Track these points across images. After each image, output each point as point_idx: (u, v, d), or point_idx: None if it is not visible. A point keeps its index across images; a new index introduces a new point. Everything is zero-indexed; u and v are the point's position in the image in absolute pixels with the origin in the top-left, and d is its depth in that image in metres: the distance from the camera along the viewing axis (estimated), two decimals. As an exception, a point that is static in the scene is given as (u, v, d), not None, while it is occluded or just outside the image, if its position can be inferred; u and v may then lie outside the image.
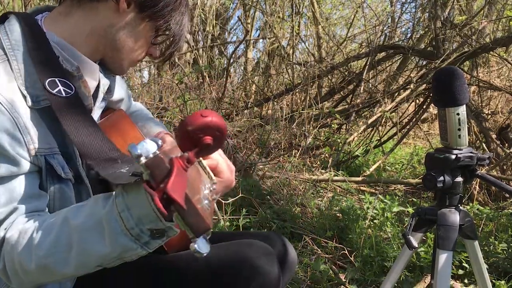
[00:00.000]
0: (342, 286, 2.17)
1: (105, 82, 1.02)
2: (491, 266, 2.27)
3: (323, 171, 3.77)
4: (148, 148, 0.61)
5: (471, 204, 3.04)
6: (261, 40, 7.52)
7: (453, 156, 1.14)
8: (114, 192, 0.75)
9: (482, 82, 4.08)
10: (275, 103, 5.16)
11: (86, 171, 0.93)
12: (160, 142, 0.63)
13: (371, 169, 3.90)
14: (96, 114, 1.02)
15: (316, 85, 5.57)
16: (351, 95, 5.12)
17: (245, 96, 6.67)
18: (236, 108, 5.54)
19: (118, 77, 1.15)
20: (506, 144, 3.71)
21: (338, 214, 2.83)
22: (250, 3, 6.55)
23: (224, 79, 6.14)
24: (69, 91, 0.87)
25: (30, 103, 0.81)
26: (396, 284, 1.58)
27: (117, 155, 0.83)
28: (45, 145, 0.83)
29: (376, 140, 4.59)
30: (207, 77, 6.17)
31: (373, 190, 3.57)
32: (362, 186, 3.69)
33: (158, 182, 0.61)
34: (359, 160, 4.38)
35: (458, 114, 1.13)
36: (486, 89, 4.28)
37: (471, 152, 1.16)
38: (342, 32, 7.97)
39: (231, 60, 7.25)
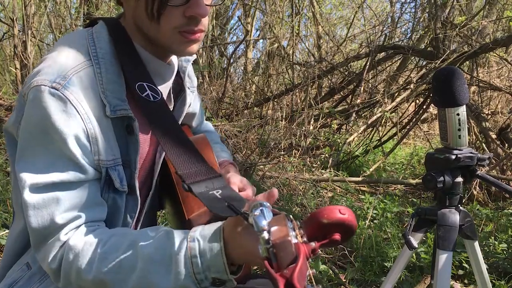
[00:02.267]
0: (342, 286, 2.17)
1: (189, 97, 1.03)
2: (491, 266, 2.27)
3: (323, 171, 3.77)
4: (268, 216, 0.62)
5: (471, 204, 3.04)
6: (261, 40, 7.52)
7: (453, 156, 1.14)
8: (188, 234, 0.77)
9: (482, 82, 4.09)
10: (275, 103, 5.16)
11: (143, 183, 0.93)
12: (270, 209, 0.63)
13: (371, 169, 3.90)
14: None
15: (316, 85, 5.57)
16: (351, 95, 5.13)
17: (245, 96, 6.67)
18: (236, 108, 5.54)
19: (192, 93, 1.14)
20: (506, 144, 3.71)
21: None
22: (250, 3, 6.55)
23: (224, 79, 6.14)
24: (156, 96, 0.88)
25: (108, 112, 0.82)
26: (396, 284, 1.58)
27: (206, 168, 0.83)
28: (109, 157, 0.84)
29: (376, 140, 4.60)
30: (207, 77, 6.17)
31: (373, 190, 3.57)
32: (362, 186, 3.70)
33: (281, 266, 0.59)
34: (359, 160, 4.38)
35: (458, 114, 1.13)
36: (486, 89, 4.28)
37: (471, 153, 1.16)
38: (342, 32, 7.98)
39: (231, 60, 7.25)
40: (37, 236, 0.81)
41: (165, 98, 0.96)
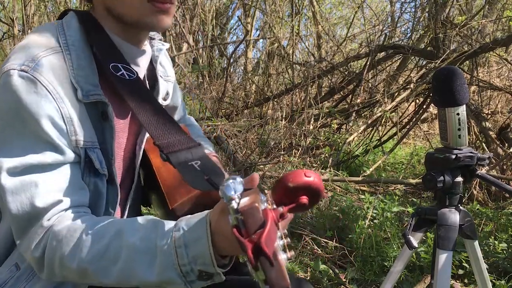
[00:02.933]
0: (342, 286, 2.17)
1: (163, 86, 1.02)
2: (491, 266, 2.27)
3: (323, 171, 3.77)
4: (239, 189, 0.62)
5: (471, 204, 3.04)
6: (261, 40, 7.52)
7: (453, 156, 1.14)
8: (175, 224, 0.74)
9: (482, 82, 4.09)
10: (275, 103, 5.16)
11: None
12: (242, 183, 0.63)
13: (371, 169, 3.90)
14: None
15: (316, 85, 5.57)
16: (351, 95, 5.12)
17: (245, 96, 6.67)
18: (236, 108, 5.54)
19: (175, 84, 1.14)
20: (506, 144, 3.71)
21: (338, 214, 2.83)
22: (250, 3, 6.55)
23: (224, 79, 6.14)
24: (132, 75, 0.87)
25: (80, 96, 0.81)
26: (396, 284, 1.58)
27: (184, 138, 0.82)
28: (87, 138, 0.83)
29: (376, 140, 4.59)
30: (207, 77, 6.17)
31: (373, 190, 3.57)
32: (362, 186, 3.70)
33: (249, 232, 0.60)
34: (359, 160, 4.38)
35: (458, 114, 1.13)
36: (486, 89, 4.28)
37: (471, 152, 1.16)
38: (342, 32, 7.98)
39: (231, 60, 7.26)
40: (19, 224, 0.79)
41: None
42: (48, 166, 0.79)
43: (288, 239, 0.65)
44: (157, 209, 1.07)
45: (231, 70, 7.61)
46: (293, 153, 4.17)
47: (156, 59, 1.03)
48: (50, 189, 0.78)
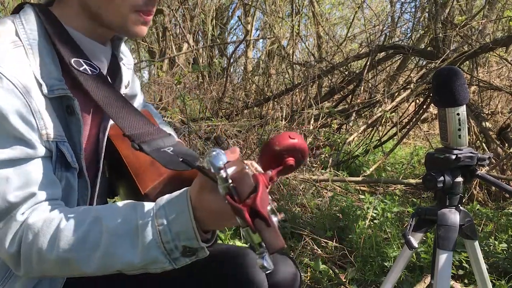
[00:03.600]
0: (342, 286, 2.17)
1: (126, 75, 1.01)
2: (491, 266, 2.27)
3: (323, 171, 3.77)
4: (224, 159, 0.63)
5: (471, 204, 3.04)
6: (261, 40, 7.52)
7: (453, 156, 1.14)
8: (154, 203, 0.74)
9: (482, 82, 4.08)
10: (275, 103, 5.16)
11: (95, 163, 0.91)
12: (224, 154, 0.65)
13: (371, 169, 3.90)
14: None
15: (316, 85, 5.57)
16: (351, 95, 5.12)
17: (245, 96, 6.67)
18: (236, 108, 5.54)
19: (132, 72, 1.13)
20: (506, 144, 3.71)
21: (338, 214, 2.83)
22: (250, 3, 6.55)
23: (224, 79, 6.14)
24: (94, 70, 0.87)
25: (45, 91, 0.80)
26: (396, 284, 1.58)
27: (155, 129, 0.82)
28: (56, 132, 0.82)
29: (376, 140, 4.59)
30: (207, 77, 6.17)
31: (373, 190, 3.57)
32: (362, 186, 3.69)
33: (242, 197, 0.62)
34: (359, 160, 4.38)
35: (458, 114, 1.13)
36: (486, 89, 4.27)
37: (471, 152, 1.16)
38: (342, 32, 7.98)
39: (231, 60, 7.26)
40: None
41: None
42: (19, 160, 0.77)
43: (275, 203, 0.66)
44: (125, 198, 1.06)
45: (231, 70, 7.62)
46: (293, 153, 4.16)
47: (117, 48, 1.03)
48: (22, 184, 0.77)
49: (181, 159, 0.72)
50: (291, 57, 5.78)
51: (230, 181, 0.62)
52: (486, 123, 3.69)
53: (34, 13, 0.86)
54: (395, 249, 2.39)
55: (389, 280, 1.29)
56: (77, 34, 0.89)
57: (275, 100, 5.10)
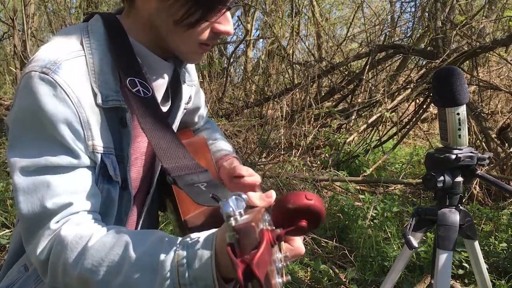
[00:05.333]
0: (342, 286, 2.17)
1: (186, 92, 1.02)
2: (491, 266, 2.27)
3: (323, 171, 3.77)
4: (239, 206, 0.60)
5: (471, 203, 3.04)
6: (261, 40, 7.52)
7: (453, 156, 1.14)
8: (180, 241, 0.73)
9: (482, 81, 4.08)
10: (275, 102, 5.16)
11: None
12: (245, 200, 0.62)
13: (371, 169, 3.90)
14: (174, 120, 1.02)
15: (316, 84, 5.57)
16: (351, 95, 5.12)
17: (245, 95, 6.67)
18: (236, 108, 5.54)
19: (198, 86, 1.14)
20: (506, 144, 3.71)
21: (338, 214, 2.83)
22: (250, 3, 6.55)
23: (224, 79, 6.14)
24: (147, 92, 0.87)
25: (99, 101, 0.81)
26: (396, 284, 1.58)
27: (193, 163, 0.81)
28: (104, 144, 0.83)
29: (376, 140, 4.59)
30: (207, 77, 6.17)
31: (373, 190, 3.57)
32: (362, 186, 3.70)
33: (243, 251, 0.57)
34: (359, 160, 4.38)
35: (458, 114, 1.13)
36: (486, 88, 4.27)
37: (471, 152, 1.16)
38: (342, 31, 7.98)
39: (231, 60, 7.26)
40: (28, 224, 0.79)
41: (161, 94, 0.96)
42: (62, 168, 0.79)
43: (287, 263, 0.62)
44: (171, 215, 1.06)
45: (231, 70, 7.61)
46: (293, 153, 4.17)
47: (181, 66, 1.03)
48: (61, 191, 0.78)
49: (211, 195, 0.70)
50: (291, 57, 5.78)
51: (235, 231, 0.58)
52: (486, 122, 3.69)
53: (102, 23, 0.88)
54: (395, 248, 2.39)
55: (389, 279, 1.30)
56: (141, 47, 0.89)
57: (275, 100, 5.10)
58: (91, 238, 0.76)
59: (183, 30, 0.84)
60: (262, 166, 3.75)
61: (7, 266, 0.93)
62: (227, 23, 0.86)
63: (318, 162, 4.07)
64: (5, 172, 3.16)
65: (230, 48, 8.11)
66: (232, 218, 0.58)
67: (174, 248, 0.71)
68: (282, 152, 4.27)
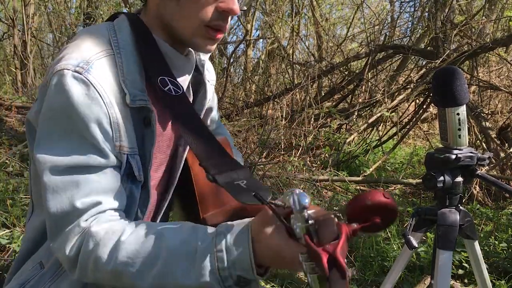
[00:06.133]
0: (342, 286, 2.17)
1: (209, 90, 1.02)
2: (491, 266, 2.27)
3: (323, 171, 3.77)
4: (308, 200, 0.63)
5: (471, 204, 3.04)
6: (261, 40, 7.52)
7: (453, 156, 1.13)
8: (215, 229, 0.76)
9: (482, 82, 4.08)
10: (275, 102, 5.17)
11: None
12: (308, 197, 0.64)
13: (371, 169, 3.90)
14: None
15: (316, 84, 5.58)
16: (351, 95, 5.12)
17: (245, 96, 6.67)
18: (236, 108, 5.54)
19: (212, 86, 1.14)
20: (506, 144, 3.71)
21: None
22: (250, 3, 6.54)
23: (224, 79, 6.14)
24: (178, 90, 0.87)
25: (128, 101, 0.81)
26: (396, 284, 1.58)
27: (230, 161, 0.82)
28: (130, 145, 0.83)
29: (376, 140, 4.59)
30: (207, 77, 6.15)
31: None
32: (362, 186, 3.70)
33: (322, 242, 0.61)
34: (359, 160, 4.38)
35: (458, 114, 1.13)
36: (486, 89, 4.28)
37: (471, 152, 1.16)
38: (342, 32, 7.98)
39: (231, 60, 7.25)
40: (55, 222, 0.80)
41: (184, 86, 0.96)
42: (91, 168, 0.79)
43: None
44: (180, 211, 1.07)
45: (231, 70, 7.61)
46: (293, 153, 4.17)
47: (203, 64, 1.03)
48: (90, 191, 0.79)
49: (253, 194, 0.71)
50: (291, 57, 5.78)
51: (311, 221, 0.61)
52: (486, 123, 3.69)
53: (128, 23, 0.88)
54: (395, 249, 2.39)
55: (389, 280, 1.30)
56: (163, 44, 0.89)
57: (275, 100, 5.10)
58: (123, 233, 0.77)
59: (186, 8, 0.83)
60: (262, 166, 3.75)
61: (18, 263, 0.93)
62: (230, 0, 0.84)
63: (318, 162, 4.07)
64: (5, 172, 3.16)
65: (230, 48, 8.11)
66: (306, 210, 0.62)
67: (211, 236, 0.74)
68: (282, 152, 4.27)
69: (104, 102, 0.78)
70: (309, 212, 0.62)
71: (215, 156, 0.82)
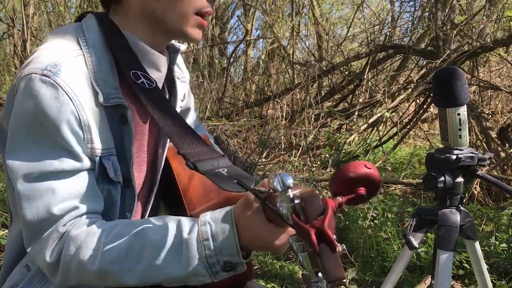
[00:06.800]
0: (342, 286, 2.17)
1: (181, 88, 1.01)
2: (491, 266, 2.26)
3: (323, 171, 3.77)
4: (292, 180, 0.63)
5: (471, 204, 3.03)
6: (261, 40, 7.52)
7: (454, 156, 1.13)
8: (199, 219, 0.77)
9: (483, 82, 4.08)
10: (275, 102, 5.17)
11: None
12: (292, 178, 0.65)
13: (371, 169, 3.89)
14: None
15: (316, 84, 5.57)
16: (351, 95, 5.12)
17: (245, 95, 6.67)
18: (236, 108, 5.54)
19: (187, 86, 1.13)
20: (507, 144, 3.70)
21: (338, 214, 2.82)
22: (250, 3, 6.55)
23: (224, 79, 6.14)
24: (151, 84, 0.87)
25: (101, 100, 0.80)
26: (396, 285, 1.58)
27: (208, 149, 0.82)
28: (103, 146, 0.82)
29: (376, 140, 4.59)
30: (207, 77, 6.17)
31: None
32: (362, 186, 3.69)
33: (309, 218, 0.61)
34: (359, 160, 4.37)
35: (458, 114, 1.12)
36: (486, 89, 4.27)
37: (471, 152, 1.15)
38: (342, 31, 7.98)
39: (231, 60, 7.25)
40: (32, 229, 0.79)
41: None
42: (65, 172, 0.78)
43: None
44: (165, 212, 1.06)
45: (231, 70, 7.62)
46: (293, 153, 4.17)
47: (173, 61, 1.02)
48: (66, 196, 0.78)
49: (235, 181, 0.71)
50: (291, 57, 5.78)
51: (297, 200, 0.62)
52: (487, 123, 3.69)
53: (96, 22, 0.87)
54: (396, 249, 2.39)
55: (389, 280, 1.29)
56: (137, 41, 0.88)
57: (275, 100, 5.10)
58: (104, 233, 0.77)
59: (177, 2, 0.84)
60: (262, 166, 3.74)
61: (7, 267, 0.92)
62: None
63: (318, 162, 4.06)
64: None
65: (230, 48, 8.12)
66: (290, 190, 0.62)
67: (196, 225, 0.76)
68: (282, 152, 4.27)
69: (74, 105, 0.77)
70: (294, 192, 0.63)
71: (194, 144, 0.81)
